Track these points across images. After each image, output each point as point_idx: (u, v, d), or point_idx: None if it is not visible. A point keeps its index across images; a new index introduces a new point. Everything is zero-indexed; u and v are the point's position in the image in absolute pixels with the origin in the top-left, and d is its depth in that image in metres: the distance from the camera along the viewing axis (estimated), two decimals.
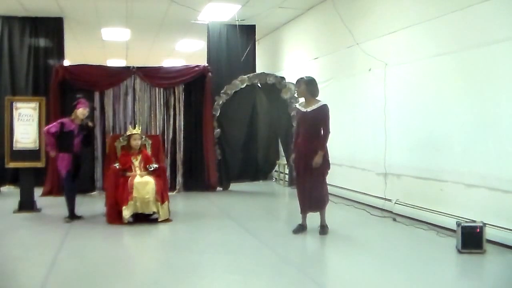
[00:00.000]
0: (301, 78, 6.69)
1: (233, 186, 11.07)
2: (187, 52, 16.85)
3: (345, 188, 9.54)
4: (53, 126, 7.49)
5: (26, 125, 8.37)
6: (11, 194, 9.66)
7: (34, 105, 8.45)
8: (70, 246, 6.04)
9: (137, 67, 10.56)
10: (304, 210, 6.80)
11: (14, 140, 8.33)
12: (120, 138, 8.22)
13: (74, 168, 7.63)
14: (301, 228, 6.75)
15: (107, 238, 6.55)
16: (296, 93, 7.07)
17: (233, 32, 12.23)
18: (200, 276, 4.97)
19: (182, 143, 10.63)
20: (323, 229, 6.67)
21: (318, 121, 6.48)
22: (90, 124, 7.81)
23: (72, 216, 7.58)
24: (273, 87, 11.01)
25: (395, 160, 8.06)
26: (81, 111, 7.57)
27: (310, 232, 7.13)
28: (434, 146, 7.13)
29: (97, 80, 10.26)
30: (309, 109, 6.52)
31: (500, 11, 6.02)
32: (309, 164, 6.45)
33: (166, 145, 10.40)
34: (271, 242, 6.26)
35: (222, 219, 7.90)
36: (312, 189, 6.58)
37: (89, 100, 8.86)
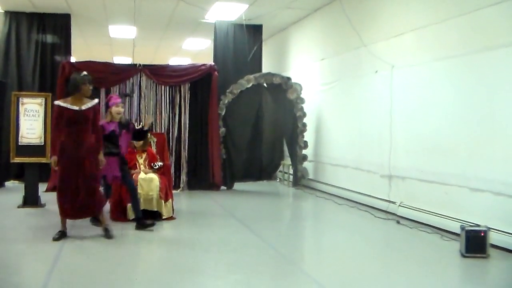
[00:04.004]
0: None
1: (237, 186, 11.07)
2: (194, 50, 16.87)
3: (350, 190, 9.52)
4: None
5: (32, 120, 8.39)
6: (16, 189, 9.69)
7: (40, 100, 8.48)
8: (73, 242, 6.04)
9: (144, 65, 10.56)
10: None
11: (19, 135, 8.34)
12: None
13: (122, 172, 6.85)
14: None
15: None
16: None
17: (240, 32, 12.22)
18: (203, 275, 4.97)
19: (187, 141, 10.63)
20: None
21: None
22: (146, 128, 7.09)
23: (140, 223, 6.88)
24: (279, 87, 11.00)
25: (400, 162, 8.04)
26: (115, 110, 6.79)
27: (313, 233, 7.14)
28: (439, 149, 7.11)
29: (104, 77, 10.26)
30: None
31: (507, 15, 5.99)
32: None
33: (171, 143, 10.40)
34: (274, 242, 6.25)
35: (226, 218, 7.90)
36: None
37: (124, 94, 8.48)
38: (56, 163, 6.06)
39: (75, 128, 6.03)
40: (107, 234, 6.25)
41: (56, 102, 6.21)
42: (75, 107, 6.01)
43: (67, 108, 6.02)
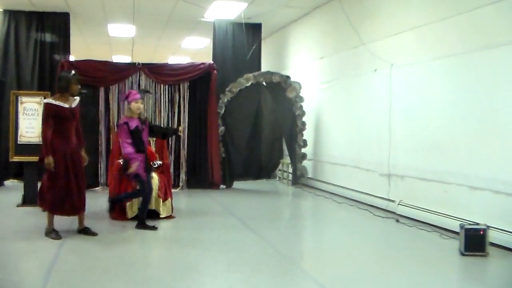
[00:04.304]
0: None
1: (237, 184, 11.07)
2: (193, 49, 16.86)
3: (349, 188, 9.52)
4: (124, 131, 6.63)
5: (31, 119, 8.40)
6: (15, 188, 9.69)
7: (39, 99, 8.47)
8: (72, 241, 6.04)
9: (143, 64, 10.55)
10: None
11: (18, 134, 8.35)
12: None
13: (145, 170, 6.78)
14: None
15: (109, 234, 6.55)
16: None
17: (239, 30, 12.21)
18: (203, 274, 4.97)
19: (186, 140, 10.62)
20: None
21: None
22: (179, 133, 7.33)
23: (143, 223, 6.80)
24: (278, 86, 11.00)
25: (399, 161, 8.04)
26: (135, 106, 6.66)
27: (312, 231, 7.14)
28: (438, 147, 7.12)
29: (103, 75, 10.26)
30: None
31: (506, 15, 6.00)
32: None
33: (170, 142, 10.40)
34: (273, 241, 6.26)
35: (225, 217, 7.90)
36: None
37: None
38: (52, 164, 6.03)
39: (65, 126, 6.14)
40: (89, 232, 6.32)
41: (48, 101, 6.25)
42: (67, 105, 6.13)
43: (60, 106, 6.09)
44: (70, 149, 6.16)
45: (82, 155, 6.39)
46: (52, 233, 6.19)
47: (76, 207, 6.25)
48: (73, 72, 6.40)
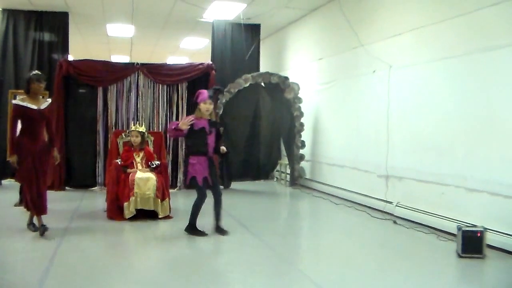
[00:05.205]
0: None
1: (235, 185, 11.06)
2: (192, 49, 16.86)
3: (347, 190, 9.52)
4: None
5: None
6: (12, 187, 9.66)
7: None
8: (70, 241, 6.03)
9: (141, 64, 10.55)
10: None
11: (16, 133, 8.31)
12: (123, 134, 8.22)
13: (210, 174, 6.46)
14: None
15: (107, 234, 6.54)
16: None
17: (238, 31, 12.22)
18: (200, 274, 4.96)
19: (184, 140, 10.60)
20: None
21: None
22: (223, 149, 6.62)
23: (193, 229, 6.51)
24: (277, 86, 11.01)
25: (397, 162, 8.05)
26: (203, 107, 6.31)
27: (310, 233, 7.12)
28: (436, 149, 7.12)
29: (101, 75, 10.26)
30: None
31: (505, 17, 6.00)
32: None
33: (168, 142, 10.40)
34: (271, 242, 6.26)
35: (223, 218, 7.87)
36: None
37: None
38: (17, 162, 6.17)
39: (33, 126, 6.23)
40: (43, 229, 6.22)
41: (15, 102, 6.32)
42: (35, 107, 6.21)
43: (27, 107, 6.17)
44: (37, 148, 6.23)
45: (54, 154, 6.45)
46: (30, 225, 6.44)
47: (34, 206, 6.26)
48: (35, 71, 6.47)
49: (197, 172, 6.34)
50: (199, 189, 6.42)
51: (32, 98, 6.24)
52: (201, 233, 6.41)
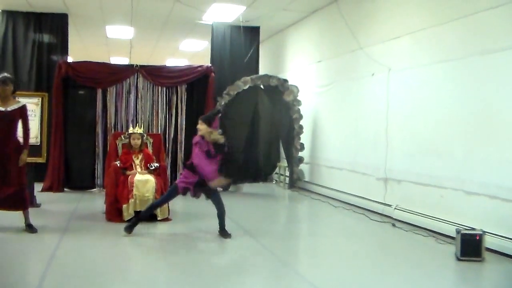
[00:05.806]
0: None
1: (233, 187, 11.05)
2: (191, 52, 16.87)
3: (345, 192, 9.53)
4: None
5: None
6: None
7: (36, 100, 8.51)
8: (68, 243, 6.02)
9: (141, 66, 10.55)
10: None
11: None
12: (122, 136, 8.22)
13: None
14: None
15: (105, 236, 6.53)
16: None
17: (237, 33, 12.23)
18: (198, 276, 4.96)
19: (183, 142, 10.60)
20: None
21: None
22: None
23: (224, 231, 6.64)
24: (276, 89, 11.01)
25: (395, 165, 8.05)
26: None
27: (308, 235, 7.11)
28: (435, 152, 7.13)
29: (100, 77, 10.25)
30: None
31: (504, 19, 6.02)
32: None
33: (167, 144, 10.39)
34: (270, 244, 6.25)
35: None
36: None
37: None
38: None
39: (1, 127, 6.32)
40: (31, 229, 6.40)
41: None
42: (2, 108, 6.32)
43: None
44: (5, 150, 6.32)
45: (21, 156, 6.42)
46: (27, 226, 6.50)
47: (3, 203, 6.39)
48: (2, 74, 6.53)
49: (182, 181, 6.57)
50: (174, 189, 6.62)
51: (2, 100, 6.35)
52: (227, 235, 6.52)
